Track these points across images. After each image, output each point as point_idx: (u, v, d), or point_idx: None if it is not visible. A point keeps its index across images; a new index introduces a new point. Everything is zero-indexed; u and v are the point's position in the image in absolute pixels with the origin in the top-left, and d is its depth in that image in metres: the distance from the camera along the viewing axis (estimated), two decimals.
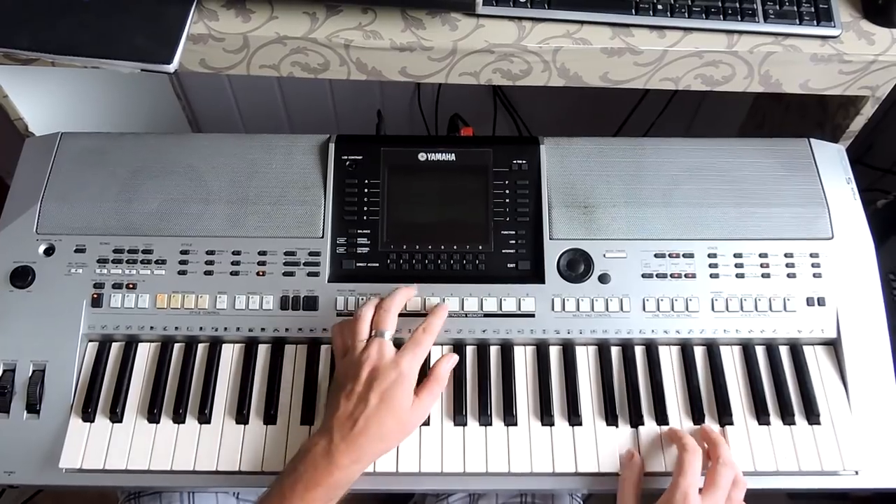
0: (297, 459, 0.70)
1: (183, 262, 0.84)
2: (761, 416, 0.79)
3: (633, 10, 0.83)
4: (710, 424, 0.79)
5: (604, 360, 0.83)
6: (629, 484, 0.74)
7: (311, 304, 0.83)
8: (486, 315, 0.83)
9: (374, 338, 0.74)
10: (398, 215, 0.87)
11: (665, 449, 0.78)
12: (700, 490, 0.71)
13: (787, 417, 0.79)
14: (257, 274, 0.84)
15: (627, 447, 0.78)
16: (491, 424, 0.79)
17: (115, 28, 0.81)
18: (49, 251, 0.84)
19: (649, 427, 0.79)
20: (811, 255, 0.85)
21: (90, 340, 0.83)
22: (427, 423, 0.79)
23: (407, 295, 0.80)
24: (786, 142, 0.92)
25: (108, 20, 0.81)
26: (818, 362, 0.83)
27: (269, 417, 0.79)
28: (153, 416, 0.79)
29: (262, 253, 0.85)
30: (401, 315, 0.82)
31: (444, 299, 0.83)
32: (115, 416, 0.79)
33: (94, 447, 0.77)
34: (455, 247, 0.86)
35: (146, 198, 0.87)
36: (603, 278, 0.84)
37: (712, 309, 0.83)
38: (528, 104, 1.48)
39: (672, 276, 0.84)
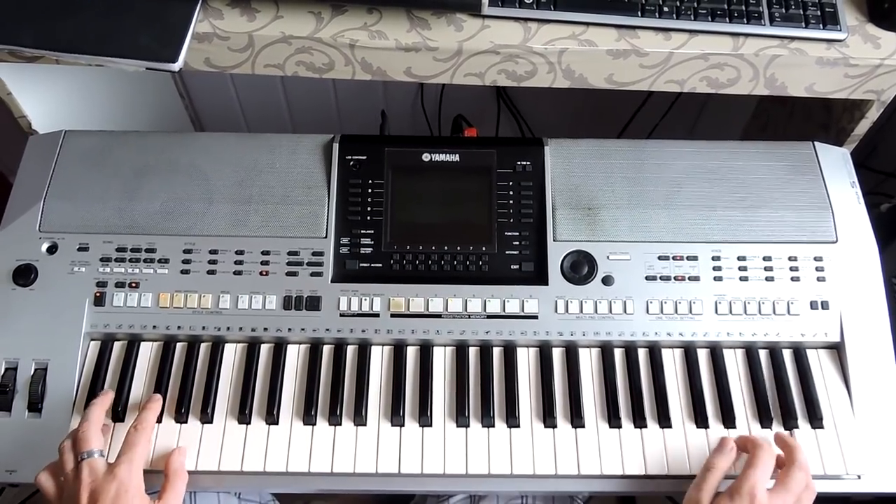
0: None
1: (186, 262, 0.84)
2: (764, 419, 0.79)
3: (639, 12, 0.83)
4: (715, 426, 0.79)
5: (607, 363, 0.82)
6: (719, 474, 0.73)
7: (313, 304, 0.83)
8: (490, 316, 0.83)
9: (81, 462, 0.70)
10: (402, 216, 0.87)
11: (667, 452, 0.78)
12: (769, 489, 0.70)
13: (789, 421, 0.79)
14: (260, 273, 0.84)
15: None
16: (493, 426, 0.79)
17: (120, 26, 0.81)
18: (52, 249, 0.84)
19: (652, 430, 0.79)
20: (815, 259, 0.85)
21: (92, 339, 0.83)
22: (430, 424, 0.79)
23: (103, 404, 0.76)
24: (790, 145, 0.92)
25: (113, 18, 0.81)
26: (821, 366, 0.83)
27: (271, 418, 0.79)
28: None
29: (266, 253, 0.85)
30: (404, 316, 0.82)
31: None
32: (117, 415, 0.79)
33: None
34: (458, 248, 0.86)
35: (149, 197, 0.87)
36: (606, 280, 0.84)
37: (716, 312, 0.83)
38: (532, 105, 1.48)
39: (676, 278, 0.84)
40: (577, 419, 0.79)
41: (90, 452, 0.70)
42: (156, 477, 0.74)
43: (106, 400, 0.77)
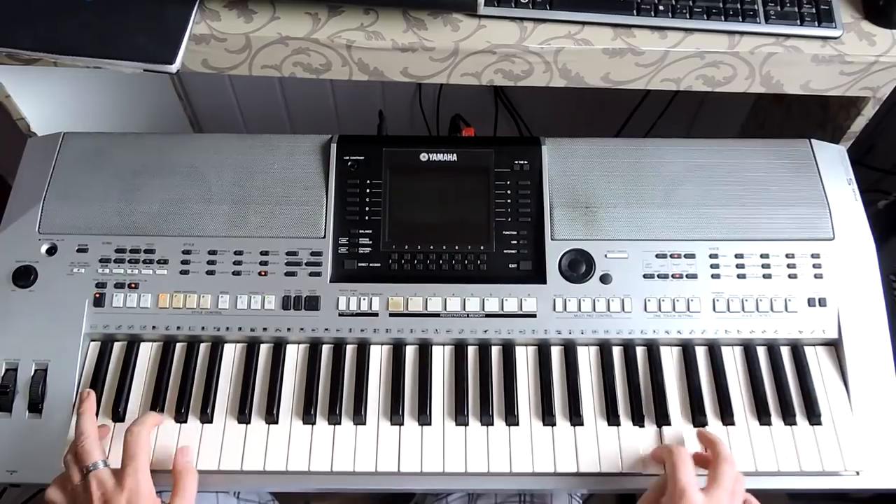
0: None
1: (185, 262, 0.84)
2: (762, 416, 0.79)
3: (635, 11, 0.83)
4: (713, 423, 0.79)
5: (605, 361, 0.83)
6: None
7: (312, 304, 0.83)
8: (488, 315, 0.83)
9: (88, 475, 0.70)
10: (400, 215, 0.87)
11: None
12: (702, 489, 0.70)
13: (788, 418, 0.80)
14: (259, 274, 0.84)
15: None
16: (493, 424, 0.79)
17: (118, 28, 0.81)
18: (51, 251, 0.85)
19: (650, 428, 0.79)
20: (812, 256, 0.85)
21: (92, 340, 0.83)
22: (429, 423, 0.79)
23: (91, 411, 0.76)
24: (787, 142, 0.92)
25: (111, 20, 0.81)
26: (819, 363, 0.83)
27: (271, 417, 0.79)
28: None
29: (264, 253, 0.85)
30: (403, 315, 0.82)
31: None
32: (117, 415, 0.79)
33: None
34: (457, 247, 0.86)
35: (148, 198, 0.87)
36: (604, 279, 0.84)
37: (713, 309, 0.83)
38: (530, 105, 1.48)
39: (673, 276, 0.85)
40: (575, 417, 0.79)
41: (95, 465, 0.71)
42: (156, 476, 0.74)
43: (91, 404, 0.77)
